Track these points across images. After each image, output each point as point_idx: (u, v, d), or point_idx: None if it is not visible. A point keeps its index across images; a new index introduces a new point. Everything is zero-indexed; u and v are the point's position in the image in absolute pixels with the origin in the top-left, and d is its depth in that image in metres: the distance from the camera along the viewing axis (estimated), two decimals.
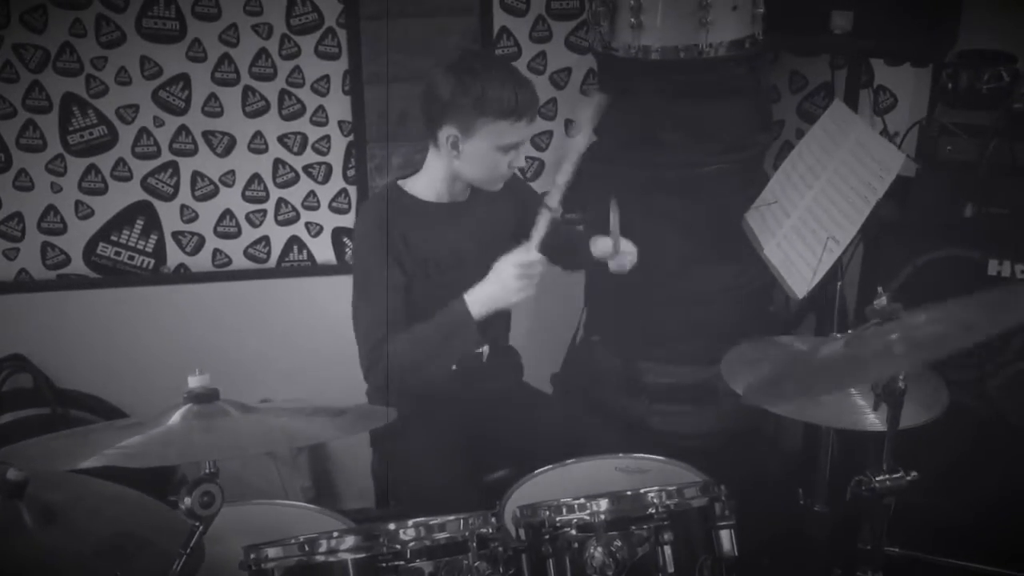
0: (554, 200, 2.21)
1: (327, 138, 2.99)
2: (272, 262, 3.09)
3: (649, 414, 2.89)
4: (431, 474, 2.26)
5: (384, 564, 1.44)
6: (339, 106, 2.96)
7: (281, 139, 2.97)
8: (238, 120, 2.93)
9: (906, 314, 1.60)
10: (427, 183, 2.28)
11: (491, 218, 2.35)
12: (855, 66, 2.93)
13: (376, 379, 2.21)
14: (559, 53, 3.04)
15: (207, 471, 1.32)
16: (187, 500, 1.30)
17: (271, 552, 1.48)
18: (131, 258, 3.00)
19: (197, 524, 1.30)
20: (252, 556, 1.48)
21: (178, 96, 2.88)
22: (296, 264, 3.10)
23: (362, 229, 2.31)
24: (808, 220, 2.40)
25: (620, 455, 2.23)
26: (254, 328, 3.11)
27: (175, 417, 1.36)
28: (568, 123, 3.11)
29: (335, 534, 1.53)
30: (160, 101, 2.88)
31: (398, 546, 1.49)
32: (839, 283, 2.05)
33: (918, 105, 3.12)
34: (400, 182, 2.31)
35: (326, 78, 2.93)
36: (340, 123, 2.98)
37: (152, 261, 3.02)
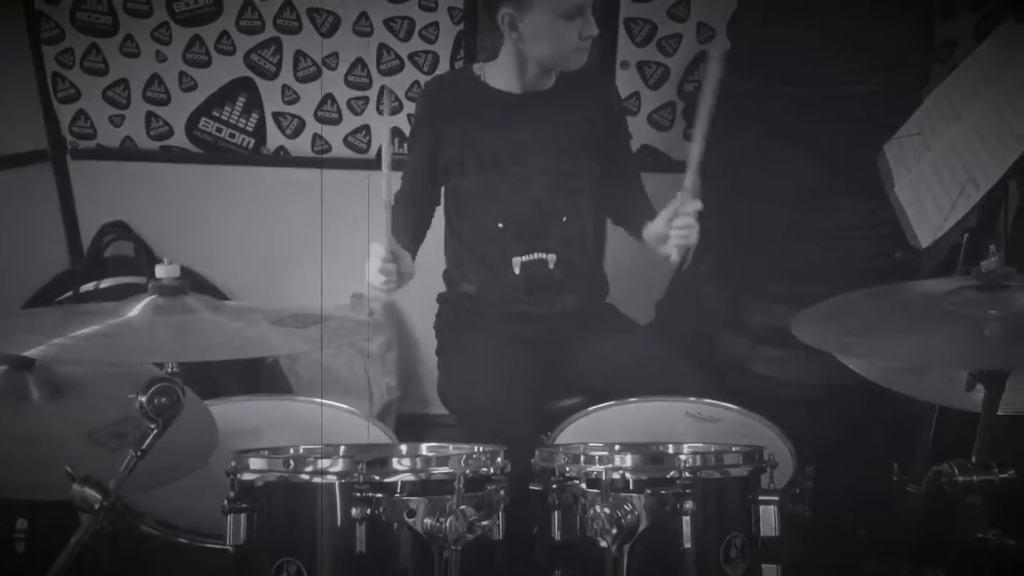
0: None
1: (435, 24, 2.81)
2: (372, 153, 2.96)
3: (751, 356, 2.64)
4: (485, 393, 2.13)
5: (369, 495, 1.30)
6: None
7: (387, 22, 2.80)
8: None
9: (1018, 286, 1.30)
10: (500, 69, 2.14)
11: (566, 117, 2.16)
12: None
13: None
14: None
15: (168, 371, 1.21)
16: (141, 399, 1.19)
17: (253, 463, 1.37)
18: (232, 136, 2.94)
19: (152, 426, 1.20)
20: (233, 464, 1.38)
21: None
22: (396, 157, 2.94)
23: (418, 105, 2.22)
24: (949, 157, 2.05)
25: (692, 399, 2.03)
26: (351, 220, 3.00)
27: (136, 309, 1.24)
28: (700, 26, 2.80)
29: (324, 454, 1.41)
30: None
31: (388, 478, 1.34)
32: (965, 234, 1.73)
33: None
34: (476, 66, 2.19)
35: None
36: (451, 9, 2.79)
37: (253, 140, 2.95)
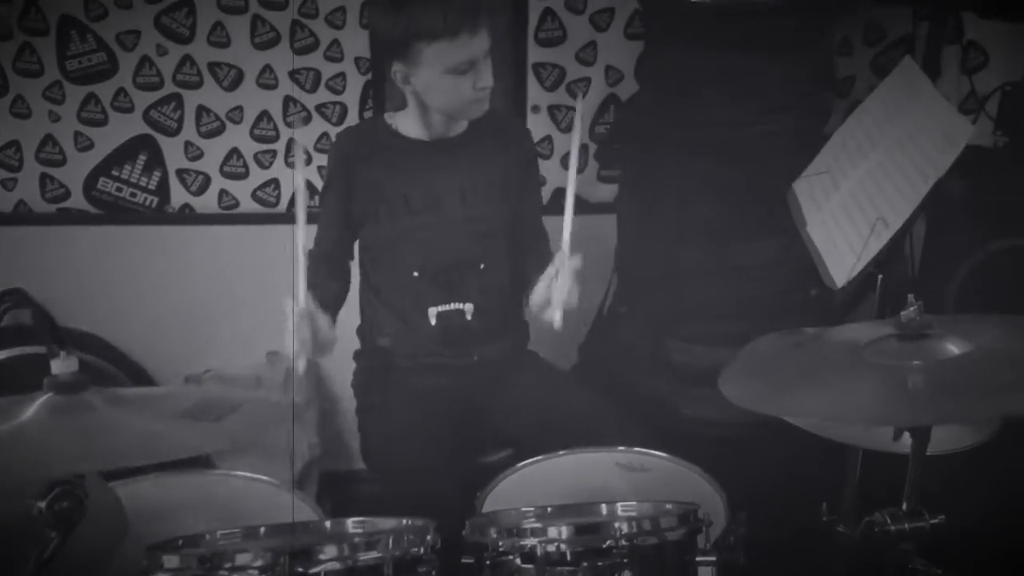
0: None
1: (342, 75, 2.76)
2: (282, 207, 2.89)
3: (676, 397, 2.63)
4: (408, 454, 2.07)
5: None
6: (356, 41, 2.72)
7: (292, 75, 2.75)
8: (246, 52, 2.72)
9: (939, 334, 1.30)
10: (410, 118, 2.11)
11: (479, 162, 2.13)
12: (941, 18, 2.56)
13: None
14: None
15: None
16: (40, 505, 1.10)
17: (167, 561, 1.28)
18: (133, 195, 2.84)
19: (53, 534, 1.11)
20: (145, 563, 1.29)
21: (182, 23, 2.68)
22: (307, 210, 2.88)
23: (331, 155, 2.19)
24: (858, 195, 2.08)
25: (621, 448, 2.01)
26: (262, 276, 2.91)
27: (30, 411, 1.15)
28: (608, 69, 2.81)
29: (241, 545, 1.33)
30: (163, 28, 2.68)
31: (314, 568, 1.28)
32: (879, 276, 1.75)
33: (1013, 65, 2.74)
34: (387, 115, 2.16)
35: (342, 9, 2.69)
36: (357, 59, 2.74)
37: (156, 199, 2.85)
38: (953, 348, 1.29)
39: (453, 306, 2.13)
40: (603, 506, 1.62)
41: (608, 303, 2.84)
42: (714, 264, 2.54)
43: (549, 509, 1.62)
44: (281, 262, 2.89)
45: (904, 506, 1.42)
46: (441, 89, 1.97)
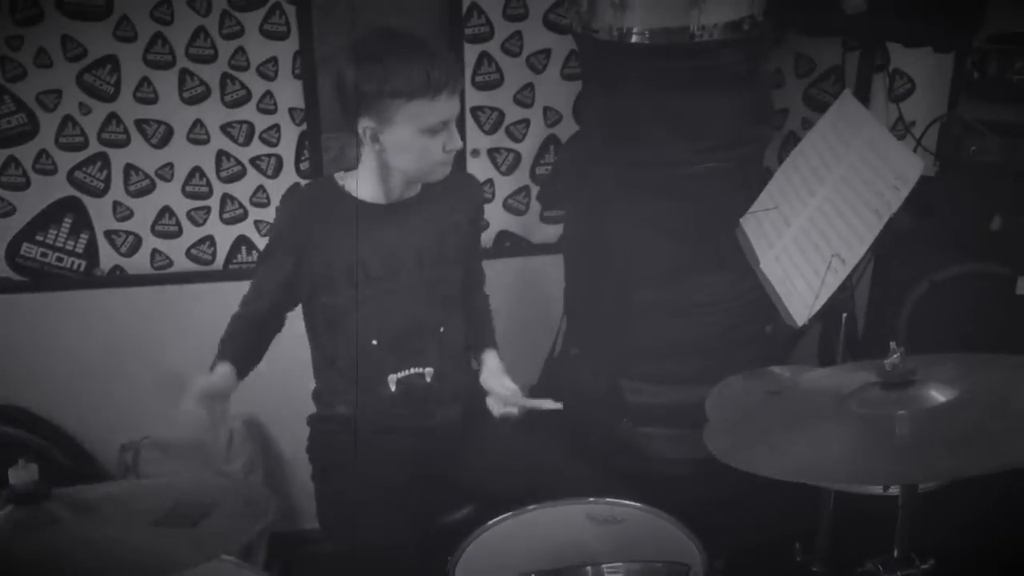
0: None
1: (276, 127, 2.68)
2: (218, 264, 2.79)
3: (632, 437, 2.61)
4: (370, 517, 2.00)
5: None
6: (289, 91, 2.65)
7: (224, 128, 2.66)
8: (175, 107, 2.62)
9: (923, 380, 1.30)
10: (363, 180, 2.02)
11: (440, 225, 2.08)
12: (869, 48, 2.61)
13: None
14: (537, 32, 2.72)
15: None
16: None
17: None
18: (60, 260, 2.71)
19: None
20: None
21: (106, 80, 2.57)
22: (245, 266, 2.80)
23: (276, 221, 2.12)
24: (811, 232, 2.09)
25: (591, 500, 1.97)
26: (198, 335, 2.81)
27: None
28: (546, 110, 2.80)
29: None
30: (86, 86, 2.57)
31: None
32: (844, 315, 1.75)
33: (938, 92, 2.81)
34: (338, 175, 2.07)
35: (273, 60, 2.62)
36: (291, 110, 2.67)
37: (83, 263, 2.73)
38: (938, 395, 1.29)
39: (413, 371, 2.07)
40: (588, 569, 1.57)
41: (559, 345, 2.81)
42: (666, 302, 2.52)
43: None
44: (218, 320, 2.81)
45: (895, 552, 1.41)
46: (411, 149, 1.91)
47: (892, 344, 1.33)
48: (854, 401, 1.36)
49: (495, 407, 2.11)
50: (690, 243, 2.48)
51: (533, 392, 2.84)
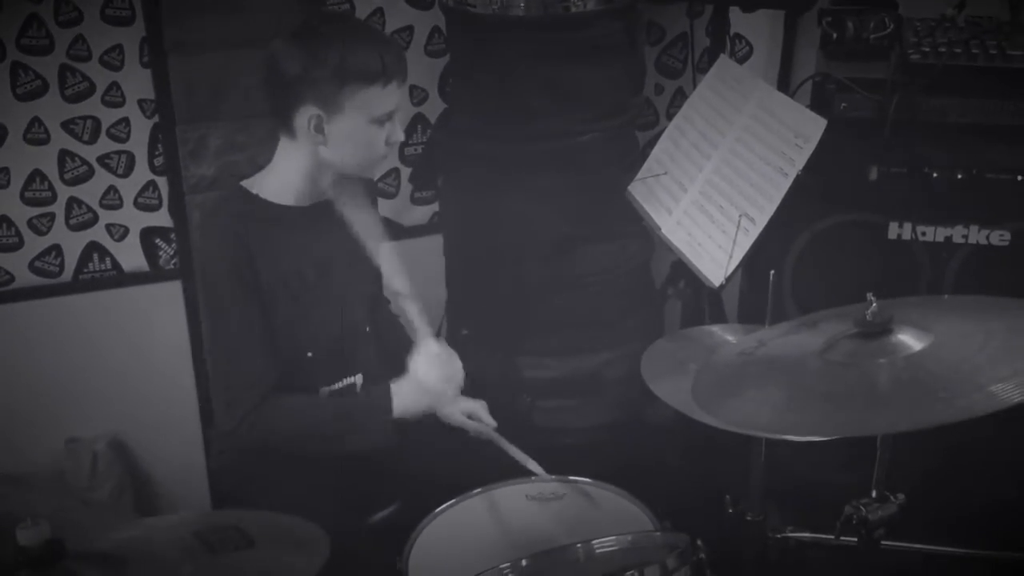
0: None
1: (125, 121, 2.46)
2: (67, 275, 2.54)
3: (532, 411, 2.61)
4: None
5: None
6: (138, 82, 2.43)
7: (66, 125, 2.41)
8: (8, 105, 2.35)
9: (901, 329, 1.36)
10: (283, 182, 1.86)
11: (353, 217, 1.97)
12: (720, 13, 2.70)
13: (249, 440, 1.82)
14: (399, 9, 2.63)
15: None
16: None
17: None
18: None
19: None
20: None
21: None
22: (98, 275, 2.56)
23: (209, 251, 1.86)
24: (712, 195, 2.15)
25: (532, 479, 1.96)
26: (49, 356, 2.57)
27: None
28: (412, 89, 2.72)
29: None
30: None
31: None
32: (772, 272, 1.81)
33: (773, 54, 2.95)
34: (246, 183, 1.89)
35: (118, 48, 2.39)
36: (141, 102, 2.45)
37: None
38: (915, 342, 1.35)
39: (345, 382, 1.98)
40: (578, 546, 1.55)
41: (444, 328, 2.76)
42: (556, 275, 2.53)
43: (524, 563, 1.53)
44: (71, 336, 2.57)
45: (873, 493, 1.48)
46: (358, 140, 1.79)
47: (869, 295, 1.38)
48: (833, 353, 1.40)
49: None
50: (575, 214, 2.49)
51: None
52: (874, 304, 1.37)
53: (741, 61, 2.98)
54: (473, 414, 2.04)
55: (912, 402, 1.29)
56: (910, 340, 1.36)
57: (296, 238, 1.85)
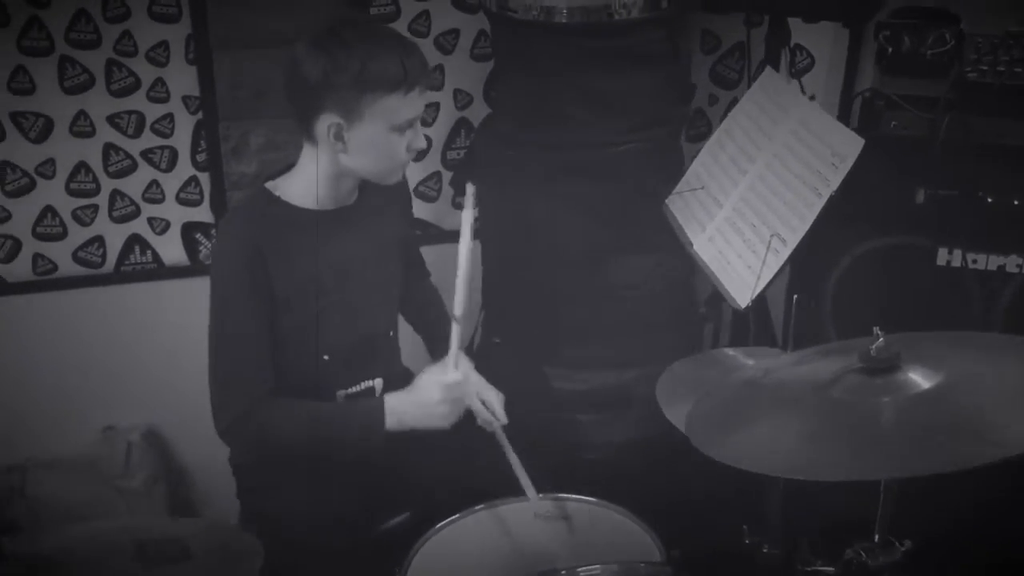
0: (459, 308, 1.82)
1: (169, 117, 2.49)
2: (109, 266, 2.58)
3: (556, 424, 2.56)
4: (306, 530, 1.90)
5: None
6: (183, 78, 2.46)
7: (112, 119, 2.45)
8: (55, 98, 2.39)
9: (909, 365, 1.28)
10: (305, 186, 1.84)
11: (380, 225, 1.96)
12: (777, 24, 2.61)
13: (238, 445, 1.82)
14: (445, 12, 2.61)
15: None
16: None
17: None
18: None
19: None
20: None
21: None
22: (139, 267, 2.60)
23: (224, 250, 1.85)
24: (745, 212, 2.07)
25: (539, 496, 1.91)
26: (89, 345, 2.62)
27: None
28: (457, 93, 2.70)
29: None
30: None
31: None
32: (795, 296, 1.73)
33: (836, 67, 2.84)
34: (269, 185, 1.88)
35: (164, 45, 2.43)
36: (185, 98, 2.48)
37: None
38: (923, 381, 1.27)
39: (363, 386, 1.96)
40: (562, 573, 1.51)
41: (479, 335, 2.73)
42: (589, 286, 2.48)
43: None
44: (111, 327, 2.62)
45: (876, 538, 1.40)
46: (378, 148, 1.77)
47: (876, 329, 1.30)
48: (836, 389, 1.33)
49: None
50: (611, 225, 2.44)
51: None
52: (880, 338, 1.29)
53: (801, 73, 2.88)
54: (488, 403, 1.95)
55: (913, 446, 1.21)
56: (918, 378, 1.28)
57: (315, 242, 1.84)
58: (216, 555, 1.11)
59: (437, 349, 2.11)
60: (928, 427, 1.22)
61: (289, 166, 1.89)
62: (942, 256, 2.21)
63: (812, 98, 2.85)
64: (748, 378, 1.44)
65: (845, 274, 2.30)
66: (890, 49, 2.29)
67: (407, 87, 1.74)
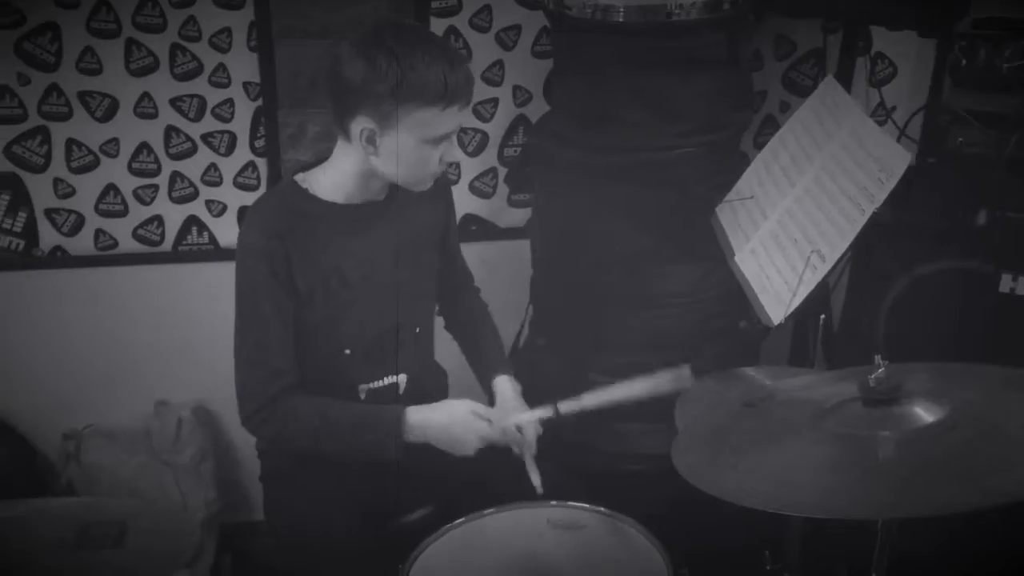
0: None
1: (230, 102, 2.54)
2: (167, 245, 2.65)
3: (596, 432, 2.51)
4: (323, 520, 1.91)
5: None
6: (244, 65, 2.50)
7: (174, 102, 2.51)
8: (121, 79, 2.46)
9: (910, 398, 1.19)
10: (335, 181, 1.84)
11: (412, 223, 1.93)
12: (852, 31, 2.50)
13: (259, 434, 1.87)
14: (507, 7, 2.58)
15: None
16: None
17: None
18: None
19: None
20: None
21: (46, 49, 2.41)
22: (196, 248, 2.66)
23: (248, 241, 1.83)
24: (788, 225, 1.99)
25: (553, 503, 1.87)
26: (146, 320, 2.70)
27: None
28: (516, 89, 2.67)
29: None
30: (25, 55, 2.41)
31: None
32: (822, 317, 1.65)
33: (920, 78, 2.70)
34: (299, 177, 1.88)
35: (227, 31, 2.47)
36: (246, 85, 2.53)
37: (22, 243, 2.57)
38: (925, 414, 1.19)
39: (387, 381, 1.95)
40: None
41: (524, 335, 2.70)
42: (635, 292, 2.42)
43: None
44: (167, 304, 2.69)
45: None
46: (409, 158, 1.74)
47: (877, 357, 1.22)
48: (833, 419, 1.25)
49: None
50: (662, 231, 2.38)
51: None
52: (881, 368, 1.21)
53: (883, 83, 2.76)
54: (524, 429, 1.92)
55: (908, 485, 1.14)
56: (920, 412, 1.20)
57: (341, 236, 1.83)
58: (149, 536, 1.11)
59: (481, 375, 2.09)
60: (925, 464, 1.14)
61: (320, 160, 1.89)
62: (1005, 283, 2.08)
63: (893, 109, 2.73)
64: (748, 401, 1.37)
65: (901, 297, 2.19)
66: (964, 61, 2.17)
67: (446, 103, 1.70)
